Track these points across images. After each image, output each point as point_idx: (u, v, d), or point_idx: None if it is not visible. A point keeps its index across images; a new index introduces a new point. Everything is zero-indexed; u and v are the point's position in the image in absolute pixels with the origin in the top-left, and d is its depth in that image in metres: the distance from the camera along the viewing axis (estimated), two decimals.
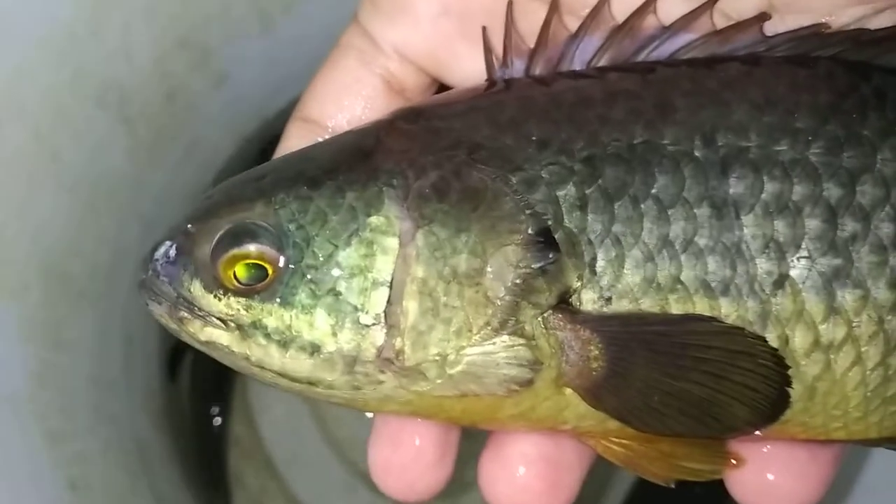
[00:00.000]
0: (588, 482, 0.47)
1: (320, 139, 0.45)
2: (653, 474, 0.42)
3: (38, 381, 0.71)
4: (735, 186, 0.39)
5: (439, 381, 0.39)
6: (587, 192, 0.39)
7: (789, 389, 0.39)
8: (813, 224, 0.39)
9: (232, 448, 0.99)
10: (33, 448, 0.70)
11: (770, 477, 0.45)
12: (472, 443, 0.46)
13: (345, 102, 0.45)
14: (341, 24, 0.46)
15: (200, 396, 0.97)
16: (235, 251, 0.39)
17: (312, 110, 0.45)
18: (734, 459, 0.44)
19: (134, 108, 0.75)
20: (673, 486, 0.42)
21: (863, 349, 0.40)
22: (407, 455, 0.45)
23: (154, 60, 0.75)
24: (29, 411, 0.70)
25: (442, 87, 0.46)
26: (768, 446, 0.45)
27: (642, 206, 0.39)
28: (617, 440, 0.42)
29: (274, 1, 0.79)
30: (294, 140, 0.45)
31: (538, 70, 0.42)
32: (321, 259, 0.39)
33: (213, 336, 0.40)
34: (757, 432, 0.41)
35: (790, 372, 0.39)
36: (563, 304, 0.39)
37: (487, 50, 0.43)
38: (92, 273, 0.76)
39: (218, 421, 0.98)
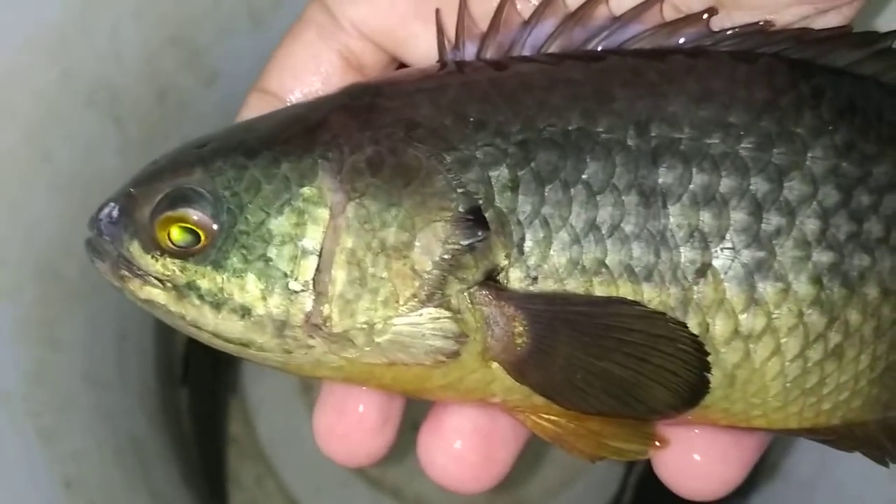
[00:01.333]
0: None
1: None
2: (579, 451, 0.44)
3: (33, 380, 0.72)
4: (664, 176, 0.41)
5: (367, 348, 0.41)
6: (519, 174, 0.40)
7: (709, 375, 0.41)
8: (738, 216, 0.41)
9: (229, 446, 1.00)
10: (28, 447, 0.71)
11: (696, 458, 0.47)
12: None
13: (303, 76, 0.47)
14: None
15: (196, 394, 0.98)
16: (170, 214, 0.41)
17: (271, 82, 0.47)
18: (659, 441, 0.45)
19: (125, 107, 0.76)
20: (596, 463, 0.44)
21: (782, 340, 0.41)
22: (349, 422, 0.47)
23: (144, 59, 0.75)
24: (23, 410, 0.71)
25: (401, 65, 0.48)
26: (696, 430, 0.47)
27: (572, 190, 0.40)
28: (547, 416, 0.44)
29: None
30: (252, 110, 0.47)
31: (489, 54, 0.44)
32: (253, 226, 0.41)
33: (151, 295, 0.42)
34: (682, 415, 0.43)
35: (710, 358, 0.41)
36: (490, 280, 0.40)
37: (440, 32, 0.44)
38: (85, 272, 0.76)
39: (214, 419, 0.98)
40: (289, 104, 0.47)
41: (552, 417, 0.44)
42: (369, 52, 0.47)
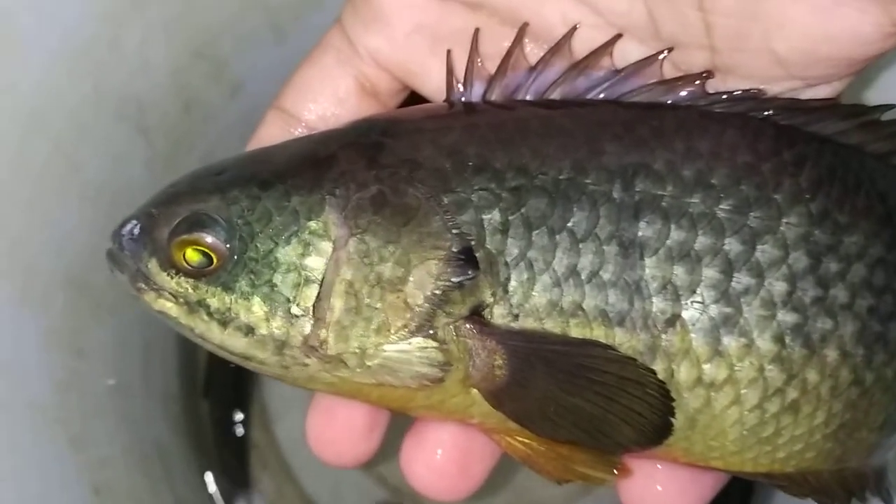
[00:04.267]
0: None
1: (294, 130, 0.50)
2: (547, 473, 0.47)
3: (63, 389, 0.74)
4: (644, 230, 0.44)
5: (359, 370, 0.45)
6: (510, 218, 0.44)
7: (672, 419, 0.44)
8: (710, 273, 0.44)
9: (250, 452, 1.01)
10: (59, 454, 0.73)
11: (659, 488, 0.51)
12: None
13: (319, 99, 0.50)
14: None
15: (219, 402, 1.01)
16: (187, 237, 0.45)
17: (288, 102, 0.51)
18: (622, 471, 0.48)
19: (152, 119, 0.78)
20: (561, 485, 0.47)
21: (742, 391, 0.44)
22: (338, 428, 0.52)
23: (171, 73, 0.77)
24: (54, 418, 0.73)
25: (414, 93, 0.51)
26: (659, 464, 0.51)
27: (557, 236, 0.44)
28: (520, 438, 0.47)
29: (285, 11, 0.81)
30: (270, 127, 0.51)
31: (495, 96, 0.47)
32: (262, 253, 0.44)
33: (164, 307, 0.46)
34: (646, 451, 0.46)
35: (673, 403, 0.44)
36: (476, 315, 0.44)
37: (449, 73, 0.48)
38: (112, 282, 0.77)
39: (236, 426, 1.00)
40: (304, 123, 0.50)
41: (525, 440, 0.47)
42: (384, 81, 0.50)
